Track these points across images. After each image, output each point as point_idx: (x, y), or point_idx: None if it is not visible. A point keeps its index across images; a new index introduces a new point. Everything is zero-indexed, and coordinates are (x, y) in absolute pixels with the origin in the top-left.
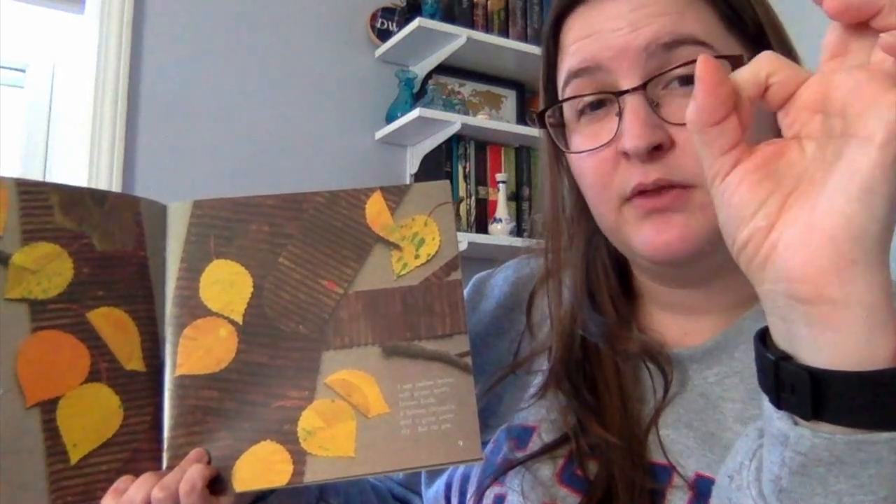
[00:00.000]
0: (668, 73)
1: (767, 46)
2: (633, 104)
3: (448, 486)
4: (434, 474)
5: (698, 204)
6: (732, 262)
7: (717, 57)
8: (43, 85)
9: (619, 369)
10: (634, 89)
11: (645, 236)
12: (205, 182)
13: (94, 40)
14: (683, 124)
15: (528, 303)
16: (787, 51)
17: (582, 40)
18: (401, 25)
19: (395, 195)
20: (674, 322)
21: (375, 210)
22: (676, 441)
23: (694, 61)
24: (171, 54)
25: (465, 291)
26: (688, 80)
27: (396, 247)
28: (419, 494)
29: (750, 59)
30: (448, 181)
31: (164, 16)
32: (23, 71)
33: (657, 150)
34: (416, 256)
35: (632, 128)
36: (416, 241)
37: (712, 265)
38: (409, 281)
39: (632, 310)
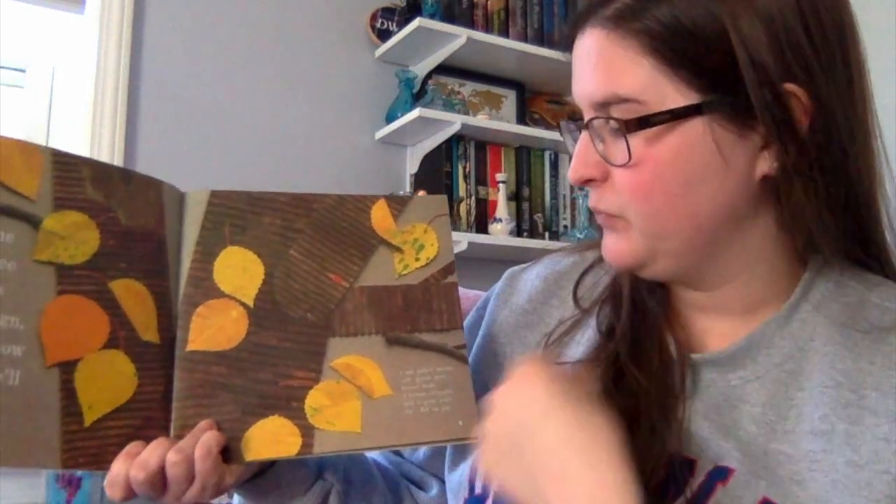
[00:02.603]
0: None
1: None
2: (581, 139)
3: (473, 470)
4: (458, 458)
5: (622, 228)
6: (737, 269)
7: (647, 116)
8: (43, 85)
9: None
10: (585, 125)
11: (603, 243)
12: (204, 182)
13: (94, 40)
14: (614, 165)
15: (577, 282)
16: (771, 84)
17: (573, 71)
18: (401, 25)
19: (398, 204)
20: (696, 320)
21: (380, 215)
22: (694, 433)
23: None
24: (171, 54)
25: (498, 284)
26: (619, 132)
27: (398, 249)
28: (439, 478)
29: (719, 100)
30: (445, 196)
31: (164, 16)
32: (23, 71)
33: (591, 182)
34: (417, 259)
35: (572, 161)
36: (417, 245)
37: (705, 272)
38: (410, 280)
39: (666, 298)
